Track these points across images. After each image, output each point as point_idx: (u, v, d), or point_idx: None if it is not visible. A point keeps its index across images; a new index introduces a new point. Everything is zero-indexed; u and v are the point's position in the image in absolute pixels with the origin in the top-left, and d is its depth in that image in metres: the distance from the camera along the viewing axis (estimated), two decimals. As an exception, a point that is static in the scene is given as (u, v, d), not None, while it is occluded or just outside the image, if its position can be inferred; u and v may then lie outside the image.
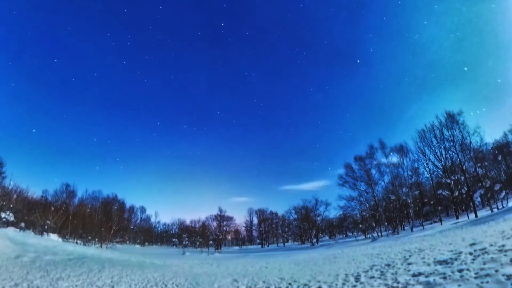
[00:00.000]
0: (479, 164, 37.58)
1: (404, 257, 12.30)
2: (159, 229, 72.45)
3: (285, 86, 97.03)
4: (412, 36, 76.63)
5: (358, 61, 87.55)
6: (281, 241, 70.64)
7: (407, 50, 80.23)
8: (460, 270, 7.18)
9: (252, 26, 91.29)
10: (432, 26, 73.56)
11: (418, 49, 78.35)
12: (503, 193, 33.50)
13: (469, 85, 73.24)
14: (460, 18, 67.69)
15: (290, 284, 10.50)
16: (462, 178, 38.23)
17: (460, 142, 38.92)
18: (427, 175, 45.42)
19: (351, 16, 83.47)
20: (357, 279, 9.40)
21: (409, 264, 10.10)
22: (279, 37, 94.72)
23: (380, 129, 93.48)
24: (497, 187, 33.93)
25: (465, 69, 65.13)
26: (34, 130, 74.17)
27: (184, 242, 61.36)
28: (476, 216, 31.38)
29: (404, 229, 43.77)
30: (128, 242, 58.09)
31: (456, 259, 8.69)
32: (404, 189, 44.74)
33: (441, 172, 42.34)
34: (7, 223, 32.84)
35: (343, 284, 9.07)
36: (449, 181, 39.61)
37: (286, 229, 71.10)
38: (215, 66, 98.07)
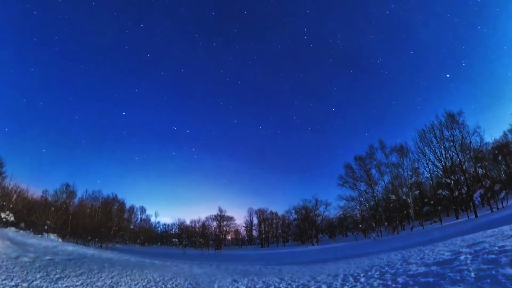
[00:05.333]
0: (479, 164, 37.61)
1: (404, 257, 12.30)
2: (159, 229, 72.51)
3: (286, 86, 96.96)
4: (413, 36, 76.59)
5: (362, 61, 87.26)
6: (281, 241, 70.62)
7: (407, 49, 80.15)
8: (460, 271, 7.17)
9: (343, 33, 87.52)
10: (432, 26, 73.54)
11: (418, 48, 78.24)
12: (503, 193, 33.49)
13: (470, 85, 73.32)
14: (461, 18, 67.68)
15: (289, 284, 10.50)
16: (462, 178, 38.25)
17: (460, 142, 38.94)
18: (427, 175, 45.49)
19: (355, 15, 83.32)
20: (356, 279, 9.40)
21: (408, 264, 10.09)
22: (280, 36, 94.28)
23: (380, 129, 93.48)
24: (497, 187, 33.94)
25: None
26: (34, 130, 74.56)
27: (184, 242, 61.42)
28: (476, 216, 31.38)
29: (404, 229, 43.77)
30: (128, 242, 58.09)
31: (455, 260, 8.68)
32: (404, 189, 44.77)
33: (441, 172, 42.35)
34: (7, 223, 32.82)
35: (342, 284, 9.07)
36: (449, 181, 39.62)
37: (286, 229, 71.08)
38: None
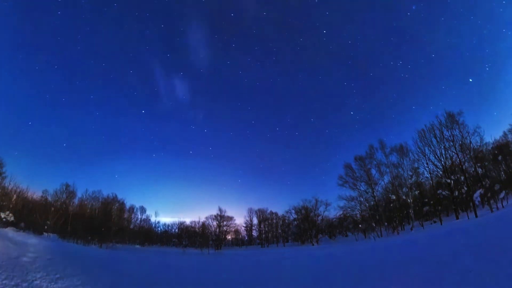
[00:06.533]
0: (479, 164, 37.58)
1: (404, 257, 12.31)
2: (159, 229, 72.33)
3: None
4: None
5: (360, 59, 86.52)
6: (281, 241, 70.55)
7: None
8: (460, 271, 7.17)
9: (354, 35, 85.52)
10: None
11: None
12: (503, 193, 33.43)
13: (469, 84, 72.81)
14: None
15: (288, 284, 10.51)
16: (462, 178, 38.16)
17: (460, 142, 38.89)
18: (427, 175, 45.33)
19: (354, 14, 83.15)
20: (357, 279, 9.40)
21: (408, 264, 10.09)
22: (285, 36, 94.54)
23: (380, 129, 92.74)
24: (497, 187, 33.90)
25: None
26: (34, 130, 74.69)
27: (184, 242, 61.38)
28: (476, 216, 31.37)
29: (404, 229, 43.73)
30: (128, 242, 58.00)
31: (455, 260, 8.69)
32: (404, 189, 44.71)
33: (441, 172, 42.28)
34: (7, 223, 32.80)
35: (343, 284, 9.07)
36: (449, 181, 39.56)
37: (286, 229, 70.98)
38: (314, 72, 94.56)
